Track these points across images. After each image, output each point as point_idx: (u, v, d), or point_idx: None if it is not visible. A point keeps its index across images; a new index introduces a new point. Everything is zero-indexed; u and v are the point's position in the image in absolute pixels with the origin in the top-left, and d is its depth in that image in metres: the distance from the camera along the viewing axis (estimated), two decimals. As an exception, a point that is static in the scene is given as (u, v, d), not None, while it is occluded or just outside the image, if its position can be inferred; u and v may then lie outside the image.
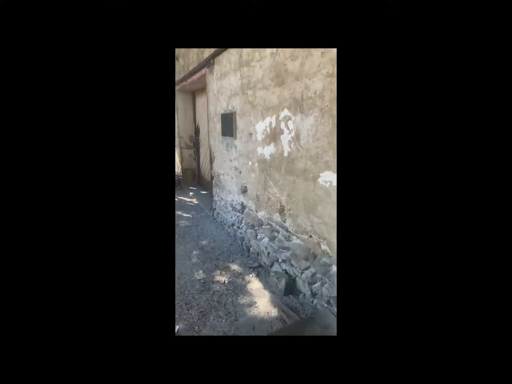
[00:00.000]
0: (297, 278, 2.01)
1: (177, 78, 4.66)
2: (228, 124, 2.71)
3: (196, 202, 4.54)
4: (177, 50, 4.07)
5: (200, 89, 4.74)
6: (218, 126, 3.08)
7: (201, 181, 5.47)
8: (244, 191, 2.65)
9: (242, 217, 2.78)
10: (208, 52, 2.84)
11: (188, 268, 2.47)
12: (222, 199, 3.35)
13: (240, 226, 2.85)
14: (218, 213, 3.56)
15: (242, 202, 2.72)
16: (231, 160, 2.86)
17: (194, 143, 5.41)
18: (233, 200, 2.97)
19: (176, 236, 3.14)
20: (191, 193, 4.97)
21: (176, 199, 4.69)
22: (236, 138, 2.64)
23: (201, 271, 2.41)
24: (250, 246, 2.67)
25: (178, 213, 3.96)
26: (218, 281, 2.23)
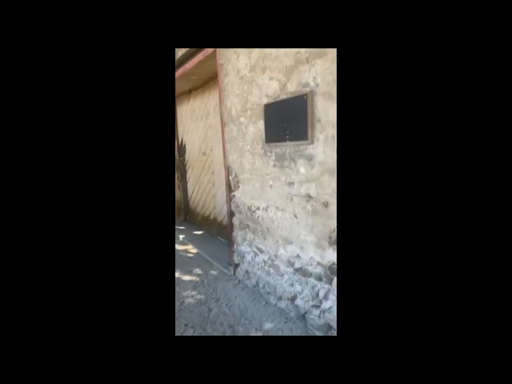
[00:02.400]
0: None
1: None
2: (291, 117, 1.46)
3: (194, 251, 3.05)
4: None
5: (186, 91, 3.43)
6: (253, 129, 1.80)
7: (191, 217, 3.99)
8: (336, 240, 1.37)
9: (330, 290, 1.47)
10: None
11: None
12: (259, 251, 1.99)
13: (328, 307, 1.51)
14: (247, 272, 2.17)
15: (333, 264, 1.42)
16: (291, 184, 1.58)
17: (179, 166, 3.99)
18: (297, 256, 1.65)
19: (190, 331, 1.65)
20: (181, 237, 3.44)
21: (161, 248, 3.13)
22: (313, 141, 1.39)
23: None
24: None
25: (175, 274, 2.44)
26: None
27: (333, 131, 1.28)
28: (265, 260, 1.95)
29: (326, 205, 1.40)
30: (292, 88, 1.45)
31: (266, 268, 1.96)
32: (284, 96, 1.51)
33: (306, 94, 1.35)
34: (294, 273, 1.70)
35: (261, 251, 1.98)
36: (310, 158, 1.43)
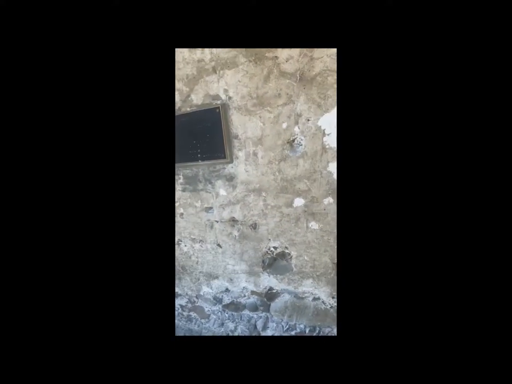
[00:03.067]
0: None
1: None
2: (202, 133, 1.25)
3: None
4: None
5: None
6: (147, 147, 1.45)
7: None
8: (271, 263, 1.27)
9: (268, 318, 1.35)
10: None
11: None
12: (177, 294, 1.61)
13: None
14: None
15: (270, 289, 1.31)
16: (209, 210, 1.36)
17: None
18: (226, 291, 1.42)
19: None
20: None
21: None
22: (232, 159, 1.23)
23: None
24: None
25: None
26: None
27: (254, 148, 1.18)
28: (183, 304, 1.60)
29: (254, 227, 1.28)
30: (198, 100, 1.26)
31: (185, 313, 1.61)
32: (188, 109, 1.29)
33: (218, 108, 1.19)
34: (224, 311, 1.47)
35: (176, 295, 1.61)
36: (230, 178, 1.27)
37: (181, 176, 1.40)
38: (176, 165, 1.36)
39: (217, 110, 1.20)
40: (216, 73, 1.19)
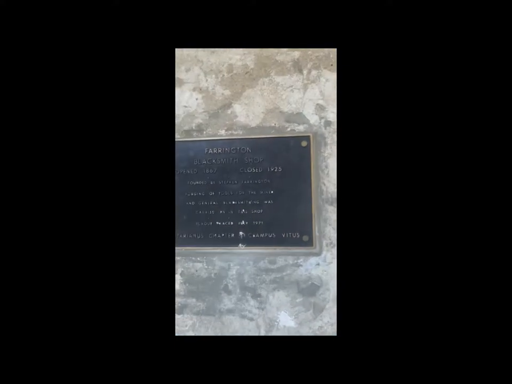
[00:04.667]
0: None
1: None
2: (265, 186, 0.56)
3: None
4: None
5: None
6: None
7: None
8: None
9: None
10: None
11: None
12: None
13: None
14: None
15: None
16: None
17: None
18: None
19: None
20: None
21: None
22: (321, 247, 0.57)
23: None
24: None
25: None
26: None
27: (374, 227, 0.58)
28: None
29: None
30: (252, 118, 0.60)
31: None
32: (221, 133, 0.60)
33: (307, 139, 0.56)
34: None
35: None
36: (311, 289, 0.57)
37: (179, 276, 0.61)
38: (180, 248, 0.58)
39: (304, 145, 0.57)
40: (301, 73, 0.60)
